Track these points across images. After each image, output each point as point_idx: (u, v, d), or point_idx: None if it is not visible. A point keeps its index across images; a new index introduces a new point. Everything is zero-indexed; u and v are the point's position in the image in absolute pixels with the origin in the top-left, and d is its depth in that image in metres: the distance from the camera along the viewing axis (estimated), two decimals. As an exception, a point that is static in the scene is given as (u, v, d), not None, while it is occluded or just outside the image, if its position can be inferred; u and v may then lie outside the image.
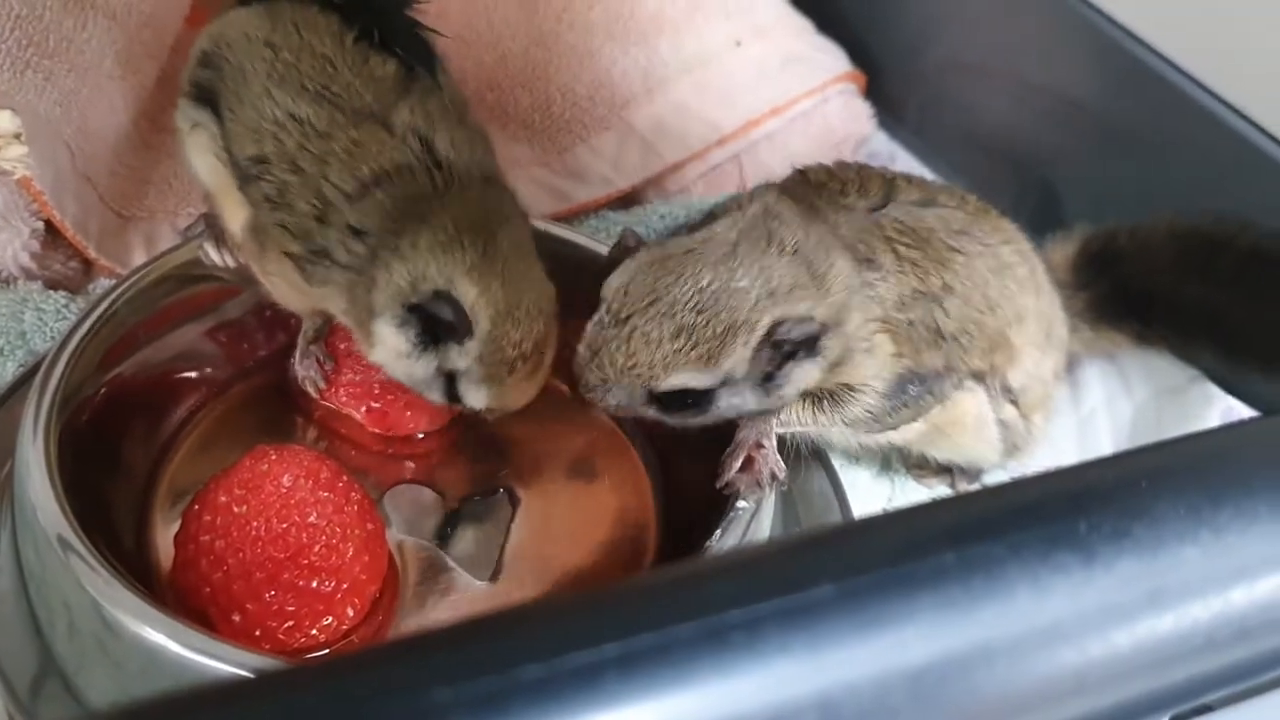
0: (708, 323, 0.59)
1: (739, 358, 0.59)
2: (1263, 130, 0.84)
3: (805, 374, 0.62)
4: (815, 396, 0.65)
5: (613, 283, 0.61)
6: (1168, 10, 0.89)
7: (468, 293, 0.60)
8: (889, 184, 0.69)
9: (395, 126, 0.64)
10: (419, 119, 0.64)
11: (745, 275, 0.59)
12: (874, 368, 0.64)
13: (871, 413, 0.65)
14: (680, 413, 0.62)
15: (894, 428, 0.68)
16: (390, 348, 0.63)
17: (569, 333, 0.64)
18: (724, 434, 0.65)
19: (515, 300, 0.61)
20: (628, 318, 0.60)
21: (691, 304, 0.59)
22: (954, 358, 0.67)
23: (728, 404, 0.61)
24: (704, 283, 0.59)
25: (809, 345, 0.60)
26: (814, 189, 0.69)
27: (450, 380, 0.63)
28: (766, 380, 0.61)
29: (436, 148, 0.64)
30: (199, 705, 0.30)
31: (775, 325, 0.59)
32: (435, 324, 0.61)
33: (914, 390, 0.66)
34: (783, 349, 0.60)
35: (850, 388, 0.64)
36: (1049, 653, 0.33)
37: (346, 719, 0.29)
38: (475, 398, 0.63)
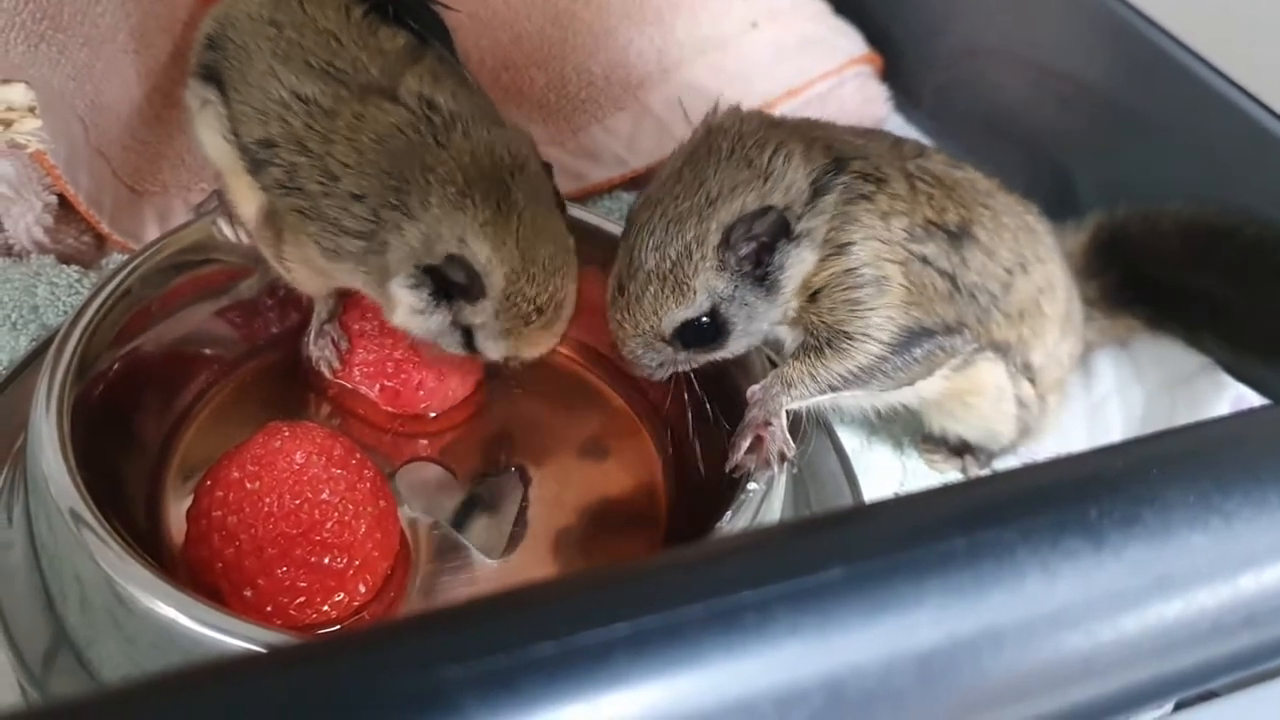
0: (664, 257, 0.60)
1: (707, 275, 0.60)
2: (1278, 116, 0.83)
3: (797, 259, 0.61)
4: (814, 346, 0.63)
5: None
6: (1185, -5, 0.88)
7: (480, 251, 0.60)
8: (920, 149, 0.68)
9: (400, 95, 0.62)
10: (425, 85, 0.63)
11: (685, 196, 0.61)
12: (883, 303, 0.62)
13: (880, 367, 0.63)
14: (710, 345, 0.63)
15: (909, 383, 0.66)
16: (405, 306, 0.62)
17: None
18: (736, 415, 0.65)
19: (531, 256, 0.61)
20: (621, 286, 0.62)
21: (651, 246, 0.61)
22: (968, 315, 0.65)
23: (742, 318, 0.62)
24: (655, 221, 0.61)
25: (783, 232, 0.60)
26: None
27: (467, 332, 0.63)
28: (763, 281, 0.61)
29: (437, 101, 0.62)
30: (210, 680, 0.31)
31: (728, 230, 0.60)
32: (449, 283, 0.61)
33: (925, 347, 0.64)
34: (754, 245, 0.60)
35: (849, 336, 0.62)
36: (1057, 637, 0.34)
37: (357, 695, 0.29)
38: (493, 349, 0.64)
